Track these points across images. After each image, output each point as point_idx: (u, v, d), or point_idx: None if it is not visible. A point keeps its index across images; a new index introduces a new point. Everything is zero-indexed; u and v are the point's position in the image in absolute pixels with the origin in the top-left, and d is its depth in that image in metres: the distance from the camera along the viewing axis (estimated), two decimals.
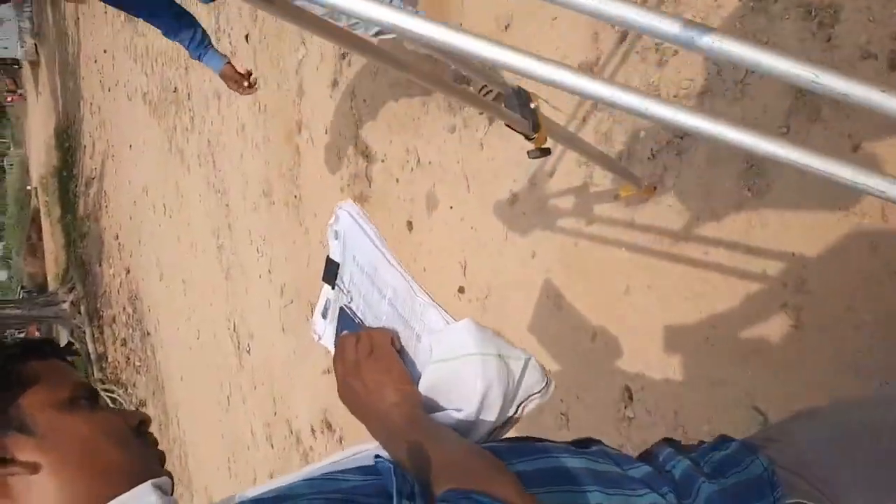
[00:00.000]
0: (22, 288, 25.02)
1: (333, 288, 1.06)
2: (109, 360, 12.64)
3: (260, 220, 5.27)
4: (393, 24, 0.71)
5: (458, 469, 0.71)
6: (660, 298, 2.15)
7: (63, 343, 1.13)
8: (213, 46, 3.00)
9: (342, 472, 0.78)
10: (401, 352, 0.93)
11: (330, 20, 1.27)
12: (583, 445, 0.91)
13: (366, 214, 1.00)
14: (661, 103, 0.68)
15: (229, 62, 3.05)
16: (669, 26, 0.64)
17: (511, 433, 0.93)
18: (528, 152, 1.48)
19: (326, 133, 4.14)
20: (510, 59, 0.69)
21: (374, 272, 0.97)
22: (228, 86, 3.12)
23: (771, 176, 1.82)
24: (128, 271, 10.76)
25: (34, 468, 0.74)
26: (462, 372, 0.84)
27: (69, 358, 0.91)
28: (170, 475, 0.83)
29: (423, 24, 0.70)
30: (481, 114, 2.80)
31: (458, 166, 3.02)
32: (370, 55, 1.23)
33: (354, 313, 1.02)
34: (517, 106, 1.35)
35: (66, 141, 15.46)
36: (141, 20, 2.91)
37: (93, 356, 13.01)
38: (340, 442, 4.47)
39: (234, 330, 6.22)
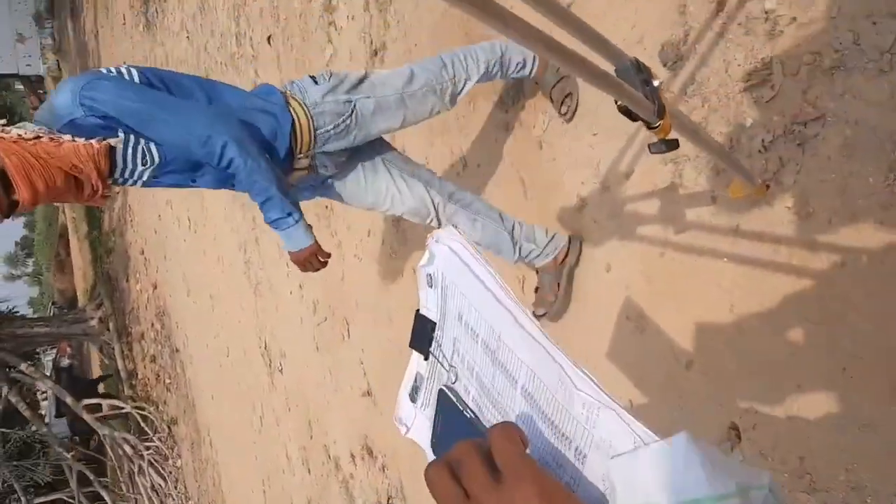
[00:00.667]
0: (53, 304, 25.08)
1: (427, 358, 0.72)
2: (139, 376, 12.46)
3: None
4: None
5: None
6: (775, 320, 1.78)
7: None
8: (297, 213, 2.07)
9: None
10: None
11: None
12: None
13: (477, 251, 0.65)
14: None
15: (315, 242, 2.13)
16: None
17: None
18: (649, 146, 1.13)
19: None
20: None
21: (495, 341, 0.62)
22: (299, 266, 2.20)
23: None
24: (155, 287, 10.54)
25: None
26: None
27: None
28: None
29: None
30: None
31: (512, 169, 2.66)
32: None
33: (464, 402, 0.67)
34: (638, 83, 1.00)
35: None
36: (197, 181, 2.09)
37: (122, 373, 12.84)
38: (383, 470, 4.13)
39: (266, 348, 5.91)
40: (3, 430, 10.80)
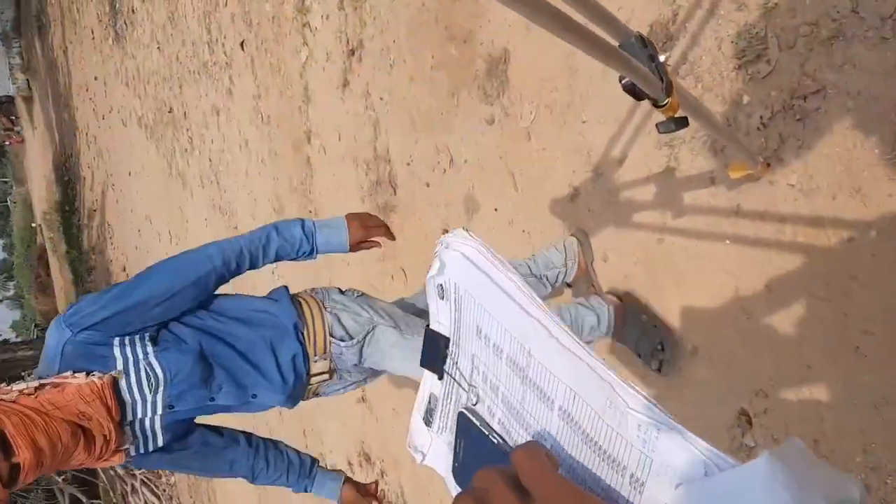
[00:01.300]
0: (35, 326, 24.74)
1: (442, 378, 0.65)
2: None
3: None
4: None
5: None
6: (782, 300, 1.73)
7: None
8: (317, 467, 2.06)
9: None
10: None
11: None
12: None
13: (495, 255, 0.58)
14: None
15: (347, 479, 2.07)
16: None
17: None
18: (657, 125, 1.07)
19: (340, 139, 3.74)
20: None
21: (524, 357, 0.55)
22: None
23: None
24: None
25: None
26: None
27: None
28: None
29: None
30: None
31: (500, 162, 2.61)
32: None
33: (488, 425, 0.60)
34: (644, 58, 0.94)
35: (65, 174, 15.13)
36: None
37: None
38: (383, 476, 4.07)
39: None
40: None
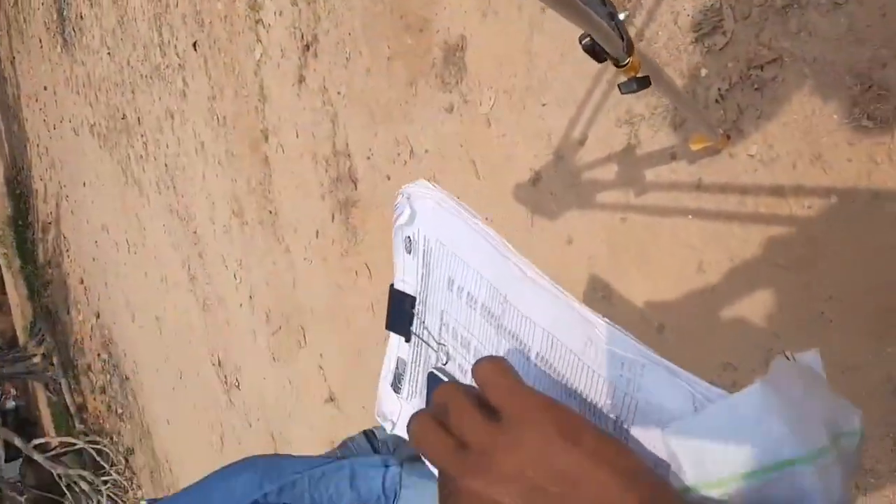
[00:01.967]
0: None
1: (409, 340, 0.62)
2: (90, 409, 12.04)
3: (233, 243, 4.80)
4: None
5: None
6: (747, 272, 1.74)
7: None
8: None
9: None
10: None
11: None
12: None
13: (461, 204, 0.56)
14: None
15: None
16: None
17: None
18: (619, 86, 1.06)
19: (298, 136, 3.69)
20: None
21: (500, 304, 0.53)
22: None
23: None
24: (98, 316, 10.19)
25: None
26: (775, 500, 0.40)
27: None
28: None
29: None
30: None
31: (461, 150, 2.59)
32: None
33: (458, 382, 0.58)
34: (604, 16, 0.93)
35: (17, 188, 14.77)
36: None
37: (72, 408, 12.40)
38: None
39: (219, 365, 5.73)
40: None
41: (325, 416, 4.18)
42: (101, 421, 11.28)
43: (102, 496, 10.09)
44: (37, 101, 11.01)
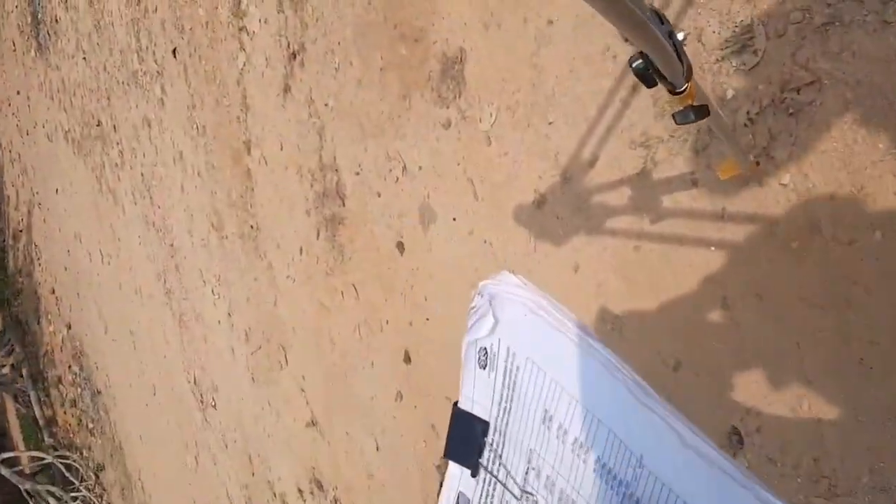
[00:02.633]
0: None
1: (476, 475, 0.48)
2: (59, 423, 11.73)
3: (212, 257, 4.62)
4: None
5: None
6: (776, 309, 1.61)
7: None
8: None
9: None
10: None
11: None
12: None
13: (567, 312, 0.41)
14: None
15: None
16: None
17: None
18: (674, 115, 0.92)
19: (282, 149, 3.53)
20: None
21: (631, 467, 0.38)
22: None
23: None
24: (69, 327, 9.91)
25: None
26: None
27: None
28: None
29: None
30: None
31: (458, 168, 2.44)
32: None
33: None
34: (664, 36, 0.79)
35: None
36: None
37: (41, 421, 12.07)
38: (336, 503, 3.85)
39: (195, 383, 5.54)
40: None
41: (307, 440, 4.01)
42: (72, 435, 10.98)
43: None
44: (9, 105, 10.74)
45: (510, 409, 0.45)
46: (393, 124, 2.71)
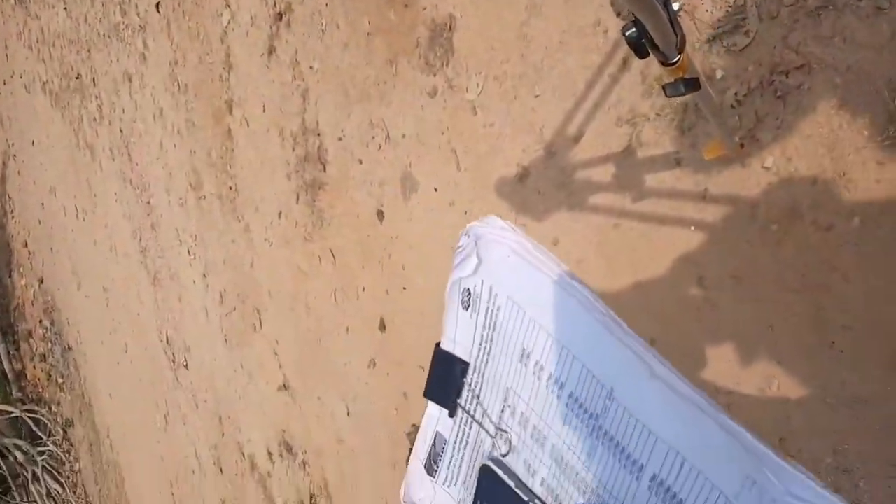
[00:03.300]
0: None
1: (454, 414, 0.48)
2: (29, 377, 11.64)
3: (189, 217, 4.57)
4: None
5: None
6: (752, 292, 1.62)
7: None
8: None
9: None
10: None
11: None
12: None
13: (548, 252, 0.41)
14: None
15: None
16: None
17: None
18: (664, 87, 0.92)
19: (265, 110, 3.49)
20: None
21: (602, 399, 0.38)
22: None
23: None
24: (41, 281, 9.81)
25: None
26: None
27: None
28: None
29: None
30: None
31: (442, 138, 2.43)
32: None
33: (525, 485, 0.43)
34: (660, 4, 0.78)
35: None
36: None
37: (10, 375, 11.97)
38: (304, 468, 3.87)
39: (168, 342, 5.51)
40: None
41: (278, 404, 4.01)
42: (41, 390, 10.91)
43: (38, 467, 9.77)
44: None
45: (490, 349, 0.45)
46: (378, 90, 2.68)
